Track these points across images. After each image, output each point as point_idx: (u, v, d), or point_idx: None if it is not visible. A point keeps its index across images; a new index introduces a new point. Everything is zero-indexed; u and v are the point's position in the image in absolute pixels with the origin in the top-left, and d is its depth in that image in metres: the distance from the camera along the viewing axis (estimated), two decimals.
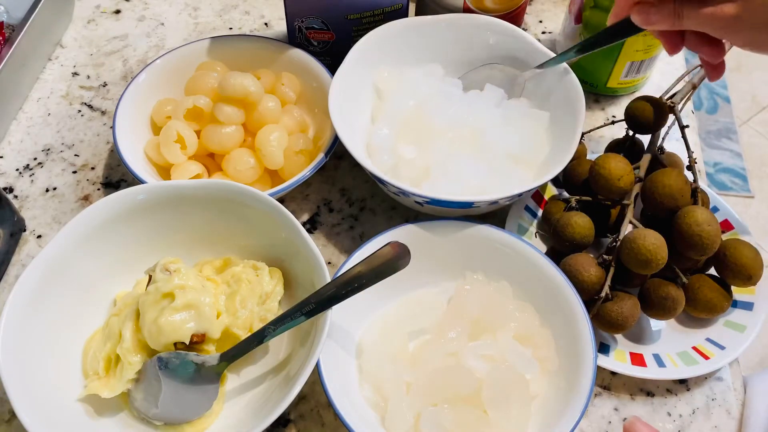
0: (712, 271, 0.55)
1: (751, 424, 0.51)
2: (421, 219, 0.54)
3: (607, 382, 0.53)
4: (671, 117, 0.57)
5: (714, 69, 0.50)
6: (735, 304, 0.55)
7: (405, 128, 0.59)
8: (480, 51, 0.63)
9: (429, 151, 0.57)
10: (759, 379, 0.55)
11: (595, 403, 0.52)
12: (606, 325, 0.51)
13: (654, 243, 0.49)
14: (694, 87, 0.58)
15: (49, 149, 0.65)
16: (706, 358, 0.52)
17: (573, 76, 0.58)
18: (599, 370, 0.52)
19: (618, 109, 0.70)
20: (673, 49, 0.49)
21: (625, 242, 0.50)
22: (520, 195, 0.53)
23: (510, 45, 0.62)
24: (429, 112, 0.58)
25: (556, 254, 0.55)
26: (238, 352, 0.48)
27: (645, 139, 0.59)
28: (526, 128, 0.59)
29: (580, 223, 0.54)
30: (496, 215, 0.60)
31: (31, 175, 0.63)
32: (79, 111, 0.68)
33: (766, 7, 0.41)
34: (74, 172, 0.64)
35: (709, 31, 0.44)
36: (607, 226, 0.57)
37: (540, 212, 0.60)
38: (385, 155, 0.58)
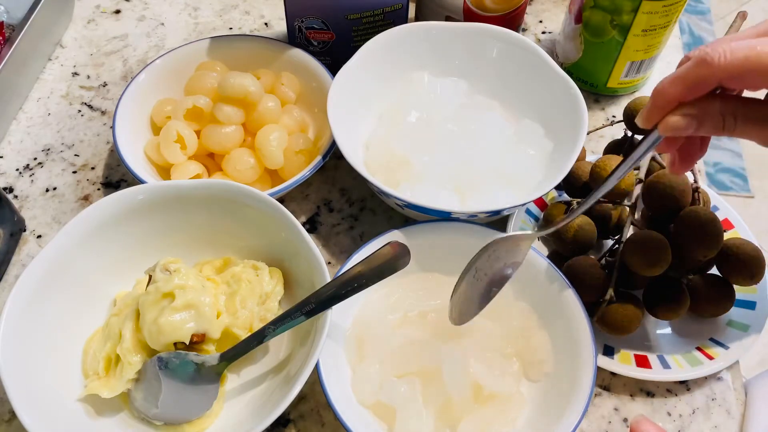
0: (714, 270, 0.55)
1: (752, 429, 0.51)
2: (420, 220, 0.54)
3: (607, 382, 0.53)
4: None
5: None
6: (737, 303, 0.55)
7: (407, 133, 0.59)
8: (489, 61, 0.62)
9: (426, 157, 0.56)
10: (760, 383, 0.54)
11: (595, 403, 0.52)
12: (611, 327, 0.51)
13: (658, 245, 0.49)
14: None
15: (49, 149, 0.65)
16: (711, 358, 0.52)
17: (578, 92, 0.57)
18: (599, 370, 0.51)
19: (618, 109, 0.70)
20: (683, 165, 0.41)
21: (628, 244, 0.50)
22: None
23: (518, 56, 0.61)
24: (440, 123, 0.58)
25: (559, 257, 0.55)
26: (238, 352, 0.48)
27: None
28: (527, 154, 0.58)
29: (583, 226, 0.54)
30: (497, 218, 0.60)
31: (31, 175, 0.63)
32: (79, 111, 0.68)
33: None
34: (74, 172, 0.64)
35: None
36: (608, 228, 0.56)
37: (541, 215, 0.60)
38: (380, 154, 0.58)
